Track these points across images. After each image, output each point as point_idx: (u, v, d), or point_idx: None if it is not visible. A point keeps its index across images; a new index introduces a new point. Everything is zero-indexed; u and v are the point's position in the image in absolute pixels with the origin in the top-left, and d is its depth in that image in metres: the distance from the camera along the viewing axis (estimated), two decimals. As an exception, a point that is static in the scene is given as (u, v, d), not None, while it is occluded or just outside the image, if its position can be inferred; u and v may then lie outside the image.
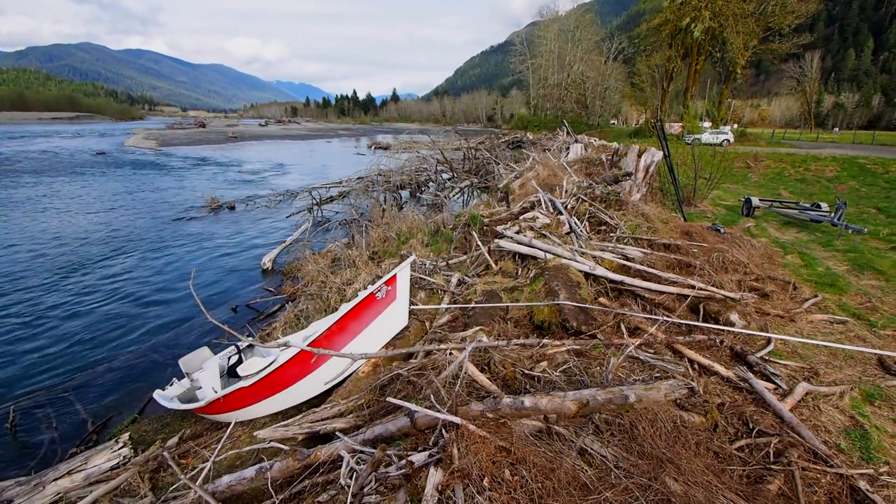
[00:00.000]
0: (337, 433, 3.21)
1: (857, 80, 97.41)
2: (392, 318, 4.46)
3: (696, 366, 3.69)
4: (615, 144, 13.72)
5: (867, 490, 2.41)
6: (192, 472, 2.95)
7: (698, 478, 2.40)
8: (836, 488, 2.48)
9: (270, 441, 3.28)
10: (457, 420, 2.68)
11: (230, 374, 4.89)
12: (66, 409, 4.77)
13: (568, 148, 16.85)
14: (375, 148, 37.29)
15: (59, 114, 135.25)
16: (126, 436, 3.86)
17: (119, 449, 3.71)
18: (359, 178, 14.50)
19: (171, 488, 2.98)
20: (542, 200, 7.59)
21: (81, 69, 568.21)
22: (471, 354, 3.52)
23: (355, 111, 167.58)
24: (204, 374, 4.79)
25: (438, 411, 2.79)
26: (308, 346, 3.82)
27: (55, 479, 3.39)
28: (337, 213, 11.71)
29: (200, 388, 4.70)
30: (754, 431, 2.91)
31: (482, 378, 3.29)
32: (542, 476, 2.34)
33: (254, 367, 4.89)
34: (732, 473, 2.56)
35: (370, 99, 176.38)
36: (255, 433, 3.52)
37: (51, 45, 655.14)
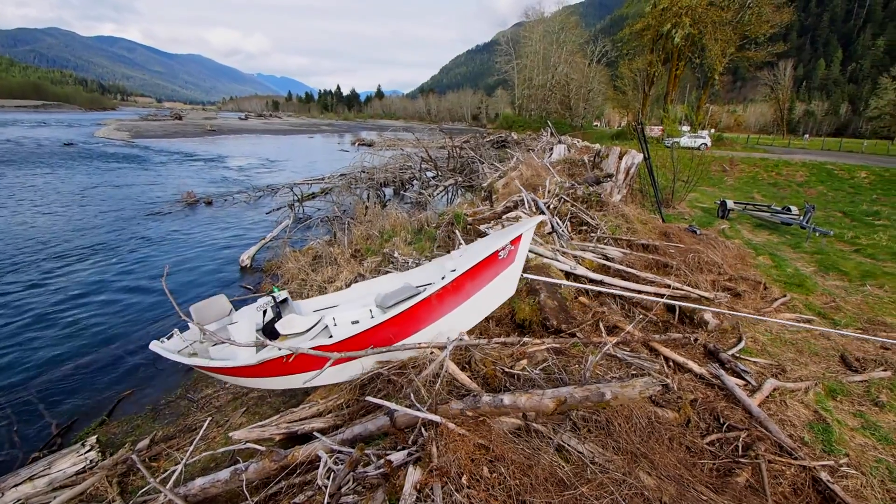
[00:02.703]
0: (315, 433, 3.17)
1: (826, 89, 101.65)
2: (505, 284, 4.09)
3: (671, 363, 3.79)
4: (597, 146, 13.94)
5: (828, 481, 2.52)
6: (164, 475, 2.86)
7: (671, 471, 2.47)
8: (800, 480, 2.58)
9: (246, 442, 3.21)
10: (436, 418, 2.69)
11: (265, 331, 4.47)
12: (27, 411, 4.53)
13: (552, 148, 17.05)
14: (359, 145, 36.92)
15: (23, 102, 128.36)
16: (93, 439, 3.70)
17: (85, 452, 3.55)
18: (342, 174, 14.34)
19: (139, 492, 2.88)
20: (525, 200, 7.65)
21: (49, 55, 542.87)
22: (452, 353, 3.53)
23: (339, 107, 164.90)
24: (238, 327, 4.33)
25: (418, 410, 2.79)
26: (408, 308, 3.58)
27: (15, 485, 3.23)
28: (319, 209, 11.53)
29: (220, 343, 4.14)
30: (725, 426, 3.01)
31: (463, 376, 3.29)
32: (520, 473, 2.36)
33: (295, 325, 4.56)
34: (703, 467, 2.64)
35: (354, 95, 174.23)
36: (230, 434, 3.44)
37: (15, 30, 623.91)
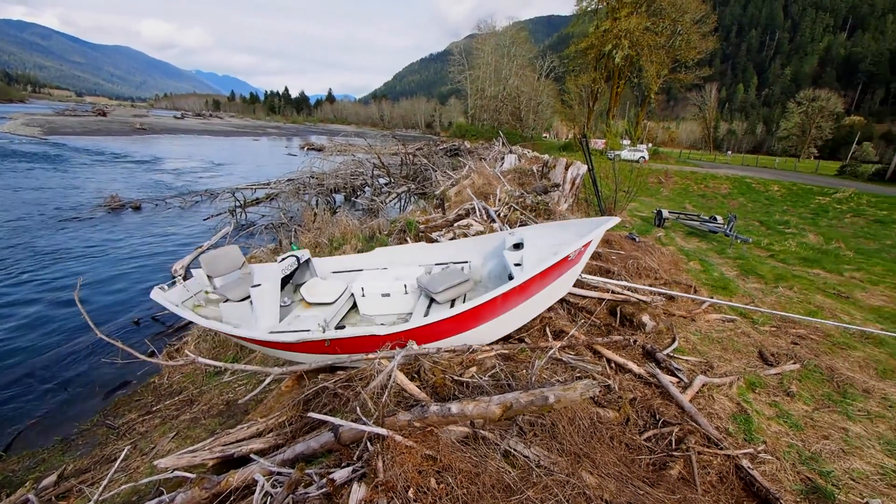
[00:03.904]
0: (252, 455, 2.96)
1: (745, 111, 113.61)
2: (563, 285, 3.99)
3: (613, 364, 3.95)
4: (546, 157, 14.51)
5: (748, 467, 2.73)
6: (71, 515, 2.53)
7: (611, 469, 2.56)
8: (725, 468, 2.77)
9: (174, 470, 2.93)
10: (383, 431, 2.60)
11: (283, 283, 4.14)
12: None
13: (503, 158, 17.51)
14: (308, 149, 35.81)
15: None
16: (-16, 478, 3.21)
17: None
18: (289, 179, 13.76)
19: (41, 536, 2.52)
20: (476, 208, 7.77)
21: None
22: (400, 363, 3.46)
23: (287, 109, 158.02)
24: (262, 291, 3.84)
25: (364, 423, 2.69)
26: (478, 305, 3.44)
27: None
28: (263, 216, 10.96)
29: (232, 300, 3.77)
30: (660, 422, 3.17)
31: (411, 386, 3.23)
32: (467, 481, 2.34)
33: (321, 293, 4.20)
34: (641, 462, 2.76)
35: (304, 97, 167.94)
36: (156, 462, 3.13)
37: None
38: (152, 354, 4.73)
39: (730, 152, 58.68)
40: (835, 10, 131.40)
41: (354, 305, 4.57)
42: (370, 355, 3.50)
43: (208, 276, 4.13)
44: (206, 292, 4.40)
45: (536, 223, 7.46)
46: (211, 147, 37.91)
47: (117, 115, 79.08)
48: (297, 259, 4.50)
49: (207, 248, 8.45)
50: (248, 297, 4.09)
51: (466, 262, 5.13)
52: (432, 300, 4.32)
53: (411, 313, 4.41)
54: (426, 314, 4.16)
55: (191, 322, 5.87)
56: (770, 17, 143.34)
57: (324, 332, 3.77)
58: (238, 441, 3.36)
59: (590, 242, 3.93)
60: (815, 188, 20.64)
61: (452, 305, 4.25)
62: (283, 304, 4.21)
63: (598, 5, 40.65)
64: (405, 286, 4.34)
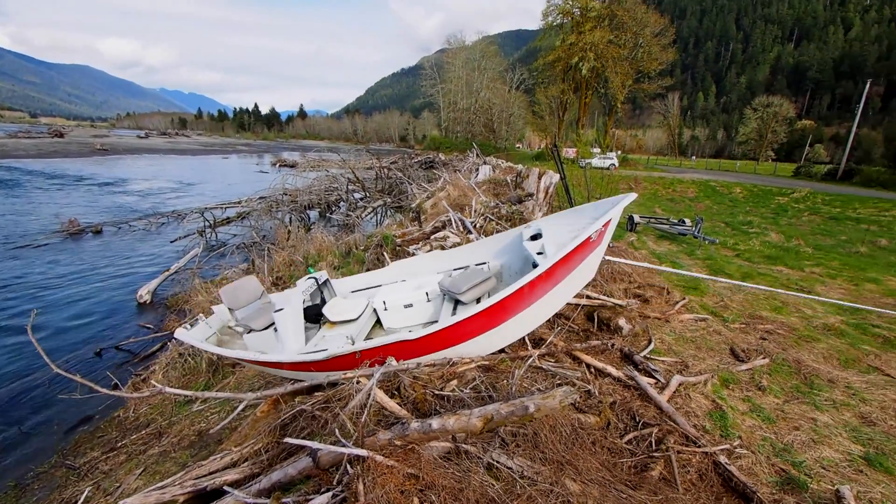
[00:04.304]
0: (226, 487, 2.82)
1: (706, 118, 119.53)
2: (589, 268, 3.97)
3: (592, 369, 3.98)
4: (520, 167, 14.77)
5: (726, 463, 2.78)
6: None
7: (594, 475, 2.55)
8: (704, 465, 2.81)
9: (141, 509, 2.75)
10: (363, 452, 2.53)
11: (309, 317, 4.10)
12: None
13: (477, 169, 17.72)
14: (280, 165, 35.27)
15: None
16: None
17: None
18: (261, 197, 13.47)
19: None
20: (452, 220, 7.80)
21: None
22: (380, 380, 3.39)
23: (257, 126, 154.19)
24: (284, 315, 3.81)
25: (343, 445, 2.61)
26: (504, 297, 3.38)
27: None
28: (235, 235, 10.64)
29: (256, 329, 3.75)
30: (640, 424, 3.20)
31: (392, 404, 3.16)
32: (451, 498, 2.29)
33: (344, 311, 4.17)
34: (623, 466, 2.77)
35: (274, 114, 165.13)
36: (121, 502, 2.93)
37: None
38: (116, 387, 4.50)
39: (694, 157, 61.49)
40: (782, 22, 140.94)
41: (378, 322, 4.60)
42: (349, 374, 3.42)
43: (230, 309, 4.10)
44: (229, 327, 4.36)
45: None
46: (178, 166, 36.80)
47: (76, 135, 75.80)
48: (317, 280, 4.48)
49: (176, 271, 8.17)
50: (272, 324, 4.09)
51: (484, 262, 5.20)
52: (457, 302, 4.36)
53: (434, 321, 4.42)
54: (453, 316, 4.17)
55: (157, 350, 5.65)
56: (724, 29, 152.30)
57: (353, 344, 3.76)
58: (211, 473, 3.20)
59: (609, 221, 3.97)
60: (774, 189, 21.78)
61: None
62: (307, 327, 4.19)
63: (563, 20, 42.25)
64: (427, 293, 4.40)
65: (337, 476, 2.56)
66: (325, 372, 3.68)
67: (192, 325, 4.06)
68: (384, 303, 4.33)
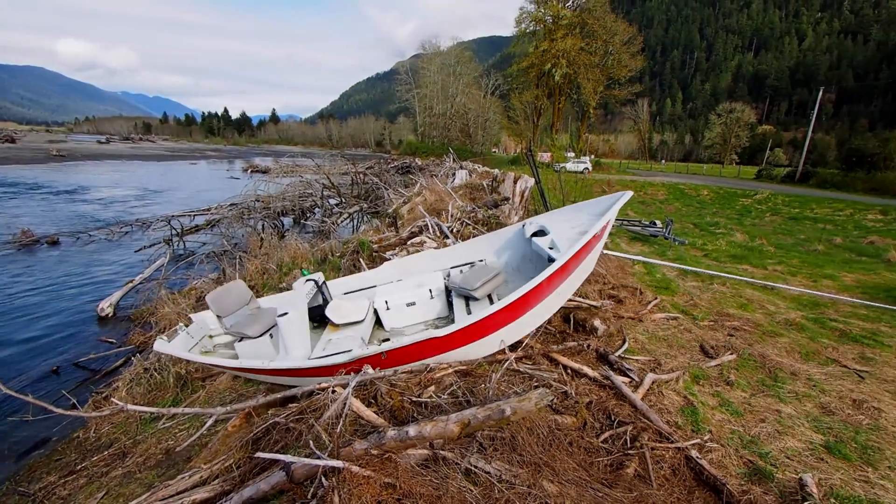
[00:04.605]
0: (194, 507, 2.69)
1: (674, 123, 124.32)
2: (591, 260, 4.15)
3: (569, 370, 4.03)
4: (496, 171, 14.91)
5: (697, 457, 2.86)
6: None
7: (571, 475, 2.57)
8: (677, 460, 2.88)
9: (102, 535, 2.60)
10: (338, 464, 2.47)
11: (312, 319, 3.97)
12: None
13: (454, 174, 17.78)
14: (252, 171, 34.42)
15: None
16: None
17: None
18: (232, 204, 13.06)
19: None
20: (429, 225, 7.78)
21: None
22: (356, 389, 3.33)
23: (227, 131, 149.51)
24: (289, 320, 3.67)
25: (318, 457, 2.54)
26: (528, 291, 3.47)
27: None
28: (204, 244, 10.25)
29: (251, 337, 3.60)
30: (615, 422, 3.25)
31: (368, 413, 3.10)
32: (429, 507, 2.26)
33: (348, 312, 4.06)
34: (599, 464, 2.80)
35: (245, 118, 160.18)
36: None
37: None
38: (74, 406, 4.25)
39: (663, 161, 63.94)
40: (742, 32, 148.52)
41: (377, 322, 4.55)
42: (323, 383, 3.34)
43: (218, 317, 3.89)
44: (210, 336, 4.18)
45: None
46: (143, 173, 35.27)
47: (29, 140, 71.66)
48: (316, 282, 4.38)
49: (140, 282, 7.81)
50: (267, 331, 3.96)
51: (482, 259, 5.27)
52: (468, 298, 4.41)
53: (440, 318, 4.47)
54: (469, 313, 4.23)
55: (121, 365, 5.37)
56: (688, 38, 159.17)
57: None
58: (179, 493, 3.06)
59: (609, 221, 4.28)
60: (738, 191, 22.79)
61: (491, 300, 4.39)
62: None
63: (536, 27, 43.17)
64: (430, 291, 4.40)
65: (311, 489, 2.49)
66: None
67: (169, 337, 3.85)
68: (386, 302, 4.30)
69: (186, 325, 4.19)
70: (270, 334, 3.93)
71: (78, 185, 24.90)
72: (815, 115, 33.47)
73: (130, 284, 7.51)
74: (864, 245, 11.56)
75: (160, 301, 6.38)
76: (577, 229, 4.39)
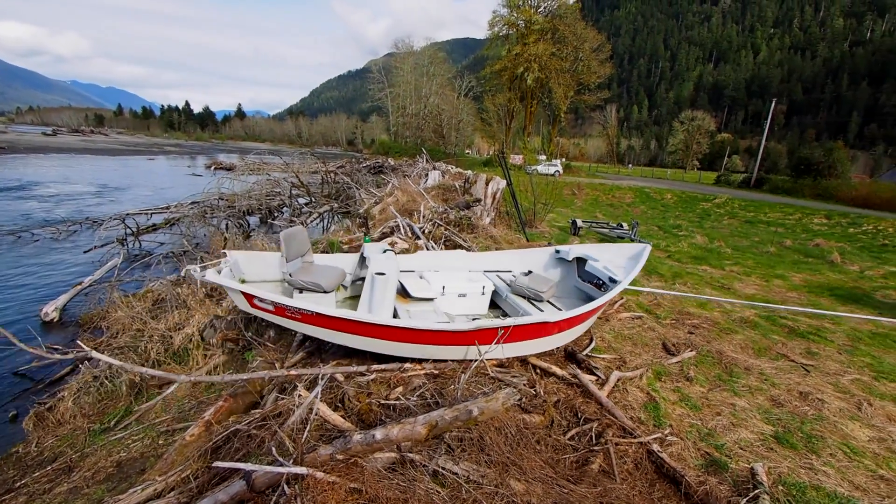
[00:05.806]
0: (146, 522, 2.54)
1: (640, 129, 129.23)
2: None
3: (538, 370, 4.09)
4: (469, 172, 14.98)
5: (658, 451, 2.95)
6: None
7: (538, 473, 2.60)
8: (639, 455, 2.97)
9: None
10: (302, 470, 2.39)
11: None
12: None
13: (427, 174, 17.75)
14: (216, 168, 33.05)
15: None
16: None
17: None
18: (193, 202, 12.46)
19: None
20: (400, 225, 7.72)
21: None
22: (323, 392, 3.24)
23: (189, 126, 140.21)
24: (388, 281, 3.55)
25: (281, 465, 2.45)
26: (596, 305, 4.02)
27: None
28: (162, 244, 9.71)
29: (327, 291, 3.48)
30: (582, 420, 3.32)
31: (335, 417, 3.03)
32: (395, 511, 2.23)
33: (426, 289, 4.04)
34: (566, 462, 2.85)
35: (208, 113, 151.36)
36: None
37: None
38: (14, 418, 3.94)
39: (630, 165, 66.43)
40: (702, 44, 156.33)
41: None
42: (288, 389, 3.23)
43: (284, 256, 3.69)
44: (242, 280, 3.76)
45: (461, 237, 7.60)
46: (96, 168, 33.02)
47: (-39, 132, 65.74)
48: (387, 250, 4.51)
49: (90, 284, 7.32)
50: (341, 286, 3.88)
51: (509, 270, 5.56)
52: (531, 300, 4.74)
53: (479, 315, 4.66)
54: (526, 314, 4.46)
55: (67, 374, 5.00)
56: (654, 48, 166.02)
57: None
58: (130, 508, 2.88)
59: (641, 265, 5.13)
60: (699, 195, 23.90)
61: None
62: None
63: (509, 31, 43.81)
64: (483, 287, 4.57)
65: (273, 498, 2.40)
66: (459, 346, 3.56)
67: (203, 268, 3.48)
68: (443, 287, 4.36)
69: (217, 264, 3.80)
70: (348, 293, 3.91)
71: (22, 181, 23.02)
72: (768, 126, 35.64)
73: (79, 287, 7.01)
74: (810, 247, 12.39)
75: (112, 304, 5.98)
76: (623, 265, 5.11)
